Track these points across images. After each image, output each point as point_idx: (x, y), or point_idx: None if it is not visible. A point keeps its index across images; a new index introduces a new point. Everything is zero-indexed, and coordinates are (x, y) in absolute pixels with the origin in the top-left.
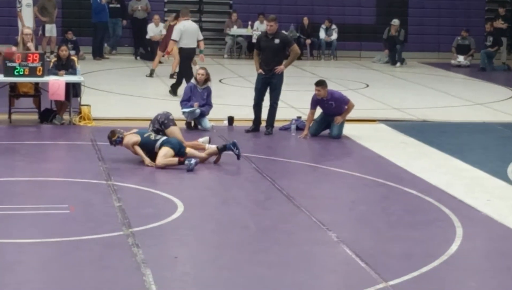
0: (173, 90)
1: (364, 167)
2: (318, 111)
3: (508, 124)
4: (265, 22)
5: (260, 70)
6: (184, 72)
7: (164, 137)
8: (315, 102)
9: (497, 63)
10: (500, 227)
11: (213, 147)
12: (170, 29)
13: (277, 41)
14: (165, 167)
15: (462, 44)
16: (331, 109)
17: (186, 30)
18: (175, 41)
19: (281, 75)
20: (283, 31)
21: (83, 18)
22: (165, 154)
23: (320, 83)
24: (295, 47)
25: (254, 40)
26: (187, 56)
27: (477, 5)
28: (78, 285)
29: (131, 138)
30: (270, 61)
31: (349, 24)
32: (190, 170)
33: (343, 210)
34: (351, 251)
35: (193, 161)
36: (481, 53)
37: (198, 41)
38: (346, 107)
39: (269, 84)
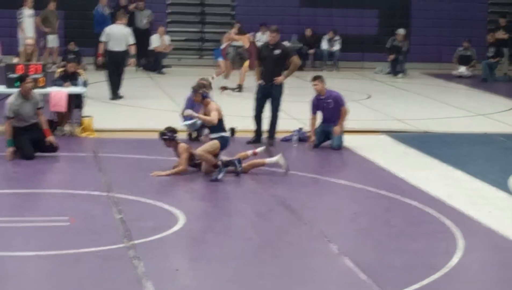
0: (114, 94)
1: (366, 178)
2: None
3: (510, 135)
4: (267, 32)
5: (260, 81)
6: (109, 75)
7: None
8: (315, 105)
9: (499, 74)
10: (502, 239)
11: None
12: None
13: (277, 51)
14: (199, 160)
15: (464, 55)
16: (329, 110)
17: (113, 34)
18: (101, 42)
19: (280, 86)
20: (286, 42)
21: (85, 28)
22: (211, 146)
23: (317, 77)
24: (295, 58)
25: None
26: (112, 59)
27: (479, 16)
28: None
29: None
30: (270, 72)
31: (352, 35)
32: (213, 180)
33: (345, 221)
34: (353, 263)
35: (221, 175)
36: (482, 64)
37: (129, 46)
38: (340, 110)
39: (269, 95)
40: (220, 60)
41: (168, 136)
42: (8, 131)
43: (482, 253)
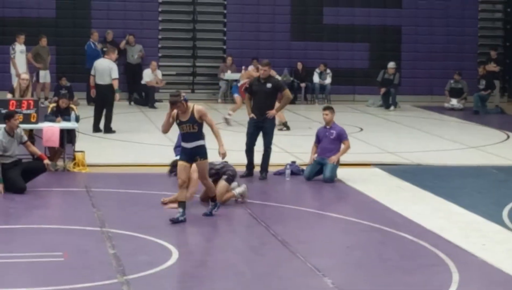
0: (96, 128)
1: (359, 211)
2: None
3: (502, 167)
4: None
5: (252, 115)
6: (94, 108)
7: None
8: (319, 133)
9: (491, 106)
10: (497, 272)
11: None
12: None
13: (269, 85)
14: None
15: (455, 88)
16: (330, 140)
17: (98, 68)
18: (91, 75)
19: (272, 120)
20: (277, 75)
21: (77, 64)
22: (206, 169)
23: (328, 108)
24: (287, 92)
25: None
26: (97, 92)
27: (470, 49)
28: None
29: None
30: (262, 106)
31: (343, 68)
32: (207, 214)
33: (339, 255)
34: None
35: (216, 210)
36: (474, 96)
37: (112, 80)
38: (342, 145)
39: (261, 129)
40: (236, 95)
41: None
42: None
43: (477, 287)
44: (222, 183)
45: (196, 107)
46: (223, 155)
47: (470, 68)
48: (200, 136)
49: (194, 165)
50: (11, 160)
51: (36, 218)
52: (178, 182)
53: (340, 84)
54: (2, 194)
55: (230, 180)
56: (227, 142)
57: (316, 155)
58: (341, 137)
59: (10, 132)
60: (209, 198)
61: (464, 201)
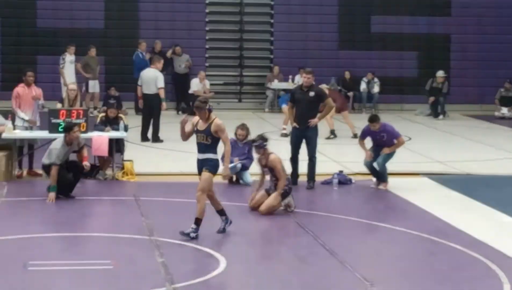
0: (144, 137)
1: (408, 221)
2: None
3: None
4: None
5: (295, 124)
6: (142, 118)
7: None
8: (366, 133)
9: None
10: None
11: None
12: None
13: (312, 94)
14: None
15: (506, 96)
16: (382, 141)
17: (144, 77)
18: (138, 85)
19: (315, 128)
20: (324, 85)
21: (125, 74)
22: (210, 182)
23: (374, 119)
24: (330, 100)
25: None
26: (144, 102)
27: None
28: None
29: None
30: (304, 114)
31: (391, 77)
32: (221, 231)
33: (387, 265)
34: None
35: (227, 225)
36: None
37: (158, 89)
38: (395, 141)
39: (304, 137)
40: (284, 106)
41: (258, 144)
42: (55, 177)
43: None
44: (274, 196)
45: (217, 121)
46: (226, 176)
47: None
48: (211, 149)
49: (274, 157)
50: (63, 163)
51: (86, 226)
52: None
53: (388, 93)
54: (53, 202)
55: (284, 195)
56: (276, 152)
57: (370, 147)
58: (393, 137)
59: (69, 143)
60: (197, 219)
61: None
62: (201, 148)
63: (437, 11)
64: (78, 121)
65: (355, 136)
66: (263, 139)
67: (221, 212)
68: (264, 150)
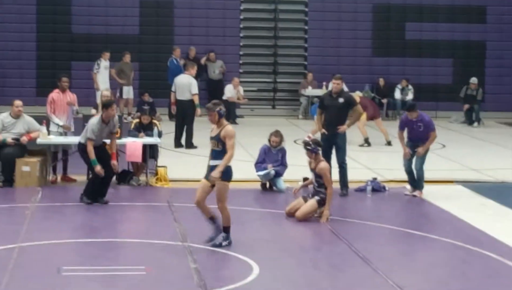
0: (178, 143)
1: (442, 229)
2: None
3: None
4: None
5: (323, 130)
6: (175, 124)
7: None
8: (404, 122)
9: None
10: None
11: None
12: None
13: (341, 100)
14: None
15: None
16: (418, 131)
17: (178, 84)
18: (172, 92)
19: (344, 135)
20: (358, 92)
21: (159, 80)
22: (225, 192)
23: (412, 108)
24: (359, 107)
25: None
26: (178, 108)
27: None
28: None
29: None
30: (333, 121)
31: (425, 84)
32: (217, 245)
33: (421, 273)
34: None
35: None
36: None
37: (193, 95)
38: (429, 134)
39: (333, 144)
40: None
41: (312, 148)
42: (91, 151)
43: None
44: (312, 203)
45: (227, 127)
46: (214, 178)
47: None
48: (223, 156)
49: (324, 164)
50: (98, 144)
51: (119, 232)
52: (194, 201)
53: (422, 100)
54: (102, 171)
55: (321, 203)
56: (301, 160)
57: (406, 142)
58: (428, 129)
59: (105, 120)
60: (225, 227)
61: None
62: (213, 155)
63: (473, 18)
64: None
65: (388, 143)
66: (316, 144)
67: (212, 218)
68: (316, 155)
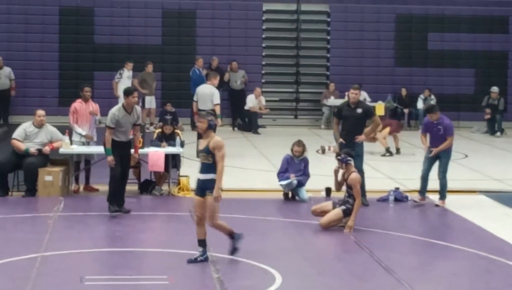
0: None
1: (465, 239)
2: None
3: None
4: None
5: (341, 140)
6: (199, 133)
7: None
8: (426, 125)
9: None
10: None
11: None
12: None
13: (359, 110)
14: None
15: None
16: (438, 134)
17: (200, 93)
18: (194, 101)
19: (361, 144)
20: (381, 102)
21: (182, 90)
22: (215, 210)
23: (431, 109)
24: (377, 117)
25: None
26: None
27: None
28: None
29: None
30: (351, 130)
31: (447, 94)
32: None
33: (444, 283)
34: None
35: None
36: None
37: (214, 105)
38: (447, 138)
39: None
40: None
41: (342, 158)
42: (109, 140)
43: None
44: (338, 211)
45: (215, 138)
46: (216, 198)
47: None
48: (213, 169)
49: (355, 175)
50: (124, 139)
51: (142, 241)
52: (195, 219)
53: (444, 110)
54: (114, 162)
55: (346, 213)
56: (324, 169)
57: (428, 144)
58: (447, 133)
59: (127, 109)
60: (230, 234)
61: None
62: (203, 168)
63: (495, 29)
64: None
65: (398, 151)
66: (348, 155)
67: (202, 243)
68: (347, 166)
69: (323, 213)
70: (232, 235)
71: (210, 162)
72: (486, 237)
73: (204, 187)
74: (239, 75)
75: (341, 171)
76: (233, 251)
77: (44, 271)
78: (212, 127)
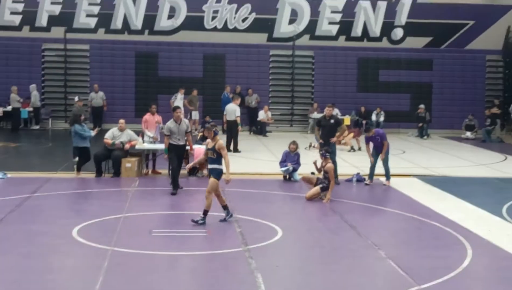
0: (234, 149)
1: (403, 207)
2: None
3: (502, 179)
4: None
5: (321, 140)
6: (227, 136)
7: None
8: (367, 139)
9: (493, 137)
10: (499, 250)
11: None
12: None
13: (332, 121)
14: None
15: (469, 124)
16: (378, 142)
17: (228, 109)
18: (224, 114)
19: (334, 144)
20: (353, 115)
21: (216, 107)
22: (213, 185)
23: (368, 129)
24: (344, 125)
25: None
26: (228, 125)
27: (479, 97)
28: (212, 283)
29: None
30: (327, 134)
31: (392, 110)
32: (222, 221)
33: (389, 236)
34: (395, 264)
35: (229, 217)
36: (482, 130)
37: (236, 117)
38: (383, 143)
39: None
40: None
41: (322, 153)
42: (166, 143)
43: (485, 259)
44: (316, 188)
45: (220, 141)
46: (227, 181)
47: (479, 110)
48: (216, 161)
49: (330, 165)
50: (179, 143)
51: (190, 207)
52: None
53: (390, 121)
54: (167, 158)
55: (323, 189)
56: (309, 160)
57: (372, 150)
58: (383, 139)
59: (176, 120)
60: (223, 206)
61: (475, 201)
62: (210, 161)
63: (424, 67)
64: (185, 138)
65: (352, 148)
66: (327, 151)
67: (225, 207)
68: (326, 158)
69: (309, 181)
70: (205, 213)
71: (214, 157)
72: (416, 205)
73: (211, 173)
74: (253, 98)
75: (319, 161)
76: (195, 221)
77: (125, 226)
78: (216, 134)
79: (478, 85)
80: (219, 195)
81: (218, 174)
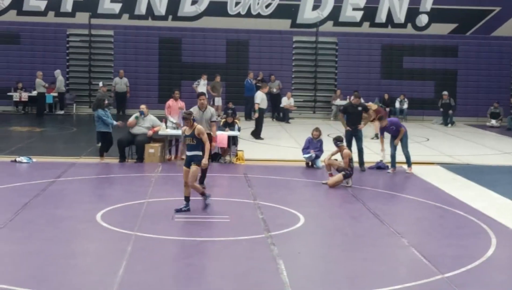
0: (256, 136)
1: (426, 194)
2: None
3: None
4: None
5: (348, 128)
6: (257, 124)
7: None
8: (382, 129)
9: None
10: None
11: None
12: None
13: (360, 108)
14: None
15: (494, 112)
16: (393, 131)
17: (258, 97)
18: (257, 103)
19: (361, 130)
20: (371, 102)
21: (238, 93)
22: (194, 174)
23: (380, 119)
24: (370, 112)
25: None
26: (262, 114)
27: (505, 84)
28: (234, 269)
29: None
30: (355, 121)
31: (416, 98)
32: (205, 206)
33: (412, 224)
34: (418, 252)
35: (208, 200)
36: (507, 118)
37: (255, 104)
38: (400, 130)
39: (354, 136)
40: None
41: (334, 142)
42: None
43: (509, 248)
44: (339, 175)
45: (198, 126)
46: (204, 165)
47: (505, 98)
48: (197, 148)
49: (346, 151)
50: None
51: (212, 193)
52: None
53: (413, 109)
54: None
55: (346, 176)
56: (332, 147)
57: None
58: (398, 127)
59: (200, 107)
60: (202, 194)
61: (499, 189)
62: (189, 148)
63: (448, 54)
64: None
65: (376, 136)
66: (338, 139)
67: (187, 199)
68: (339, 147)
69: (330, 164)
70: (203, 195)
71: (194, 143)
72: (440, 194)
73: (191, 160)
74: (275, 84)
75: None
76: (205, 206)
77: (148, 211)
78: (194, 121)
79: (503, 72)
80: (188, 185)
81: (199, 161)
